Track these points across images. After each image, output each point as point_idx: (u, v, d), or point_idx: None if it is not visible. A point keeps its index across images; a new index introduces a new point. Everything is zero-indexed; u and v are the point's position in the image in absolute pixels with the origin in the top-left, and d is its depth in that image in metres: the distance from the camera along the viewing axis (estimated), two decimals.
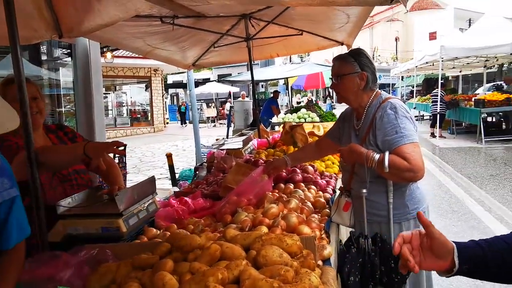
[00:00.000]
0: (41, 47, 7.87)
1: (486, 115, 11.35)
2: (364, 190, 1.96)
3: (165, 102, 25.89)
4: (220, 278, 1.18)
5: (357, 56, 2.04)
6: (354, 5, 3.13)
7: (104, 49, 10.81)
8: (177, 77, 31.02)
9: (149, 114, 20.91)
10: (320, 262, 1.60)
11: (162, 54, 4.65)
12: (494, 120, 12.80)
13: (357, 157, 1.90)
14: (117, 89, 21.49)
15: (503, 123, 12.55)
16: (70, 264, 1.42)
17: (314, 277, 1.31)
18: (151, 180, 2.16)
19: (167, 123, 24.62)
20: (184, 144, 14.68)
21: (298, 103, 17.97)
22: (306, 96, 22.43)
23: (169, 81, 32.05)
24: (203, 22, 3.94)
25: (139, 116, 21.11)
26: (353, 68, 2.02)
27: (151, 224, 2.14)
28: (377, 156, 1.85)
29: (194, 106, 7.83)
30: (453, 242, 1.00)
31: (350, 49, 2.18)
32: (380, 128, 1.92)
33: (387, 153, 1.83)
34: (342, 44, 4.96)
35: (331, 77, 2.14)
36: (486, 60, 12.89)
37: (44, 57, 8.14)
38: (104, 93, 20.24)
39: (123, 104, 21.37)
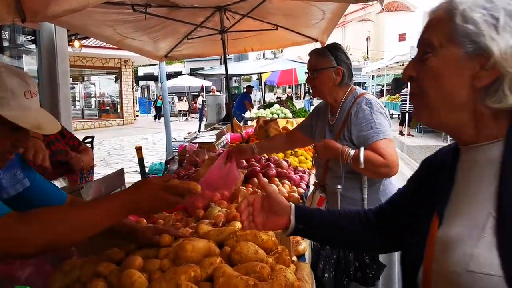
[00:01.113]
0: (3, 33, 7.47)
1: None
2: (339, 186, 1.95)
3: (136, 94, 25.32)
4: (193, 276, 1.13)
5: (334, 51, 2.02)
6: (332, 0, 3.13)
7: (72, 38, 10.40)
8: (148, 69, 30.38)
9: (119, 106, 20.35)
10: (294, 258, 1.57)
11: (133, 44, 4.50)
12: None
13: (332, 152, 1.88)
14: (85, 79, 20.76)
15: None
16: (29, 261, 1.32)
17: (290, 273, 1.28)
18: (120, 173, 2.08)
19: (137, 116, 24.08)
20: (155, 138, 14.40)
21: (279, 98, 17.95)
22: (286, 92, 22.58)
23: (140, 73, 31.32)
24: (176, 12, 3.84)
25: (108, 108, 20.49)
26: (330, 63, 1.99)
27: None
28: (352, 151, 1.83)
29: (165, 99, 7.66)
30: (294, 203, 1.11)
31: (327, 43, 2.15)
32: (355, 124, 1.91)
33: (362, 149, 1.82)
34: (316, 41, 4.97)
35: (307, 71, 2.11)
36: None
37: (5, 44, 7.74)
38: (71, 83, 19.52)
39: (92, 95, 20.67)
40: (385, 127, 1.87)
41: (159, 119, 22.86)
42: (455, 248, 0.76)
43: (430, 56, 0.79)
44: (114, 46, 4.44)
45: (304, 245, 1.66)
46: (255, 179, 2.55)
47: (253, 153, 2.40)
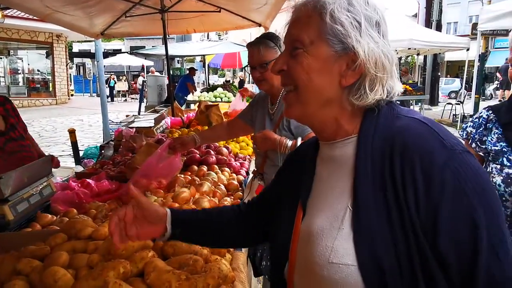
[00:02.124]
0: None
1: None
2: None
3: (70, 72, 23.71)
4: (122, 272, 1.08)
5: (277, 41, 1.99)
6: None
7: None
8: (84, 45, 28.53)
9: (51, 84, 18.93)
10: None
11: (64, 19, 4.16)
12: None
13: (271, 144, 1.88)
14: (11, 54, 18.99)
15: None
16: None
17: (224, 264, 1.28)
18: (46, 161, 1.93)
19: (72, 95, 22.62)
20: (91, 119, 13.63)
21: (227, 81, 17.65)
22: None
23: (75, 49, 29.31)
24: None
25: (38, 86, 18.94)
26: (276, 53, 1.96)
27: (46, 209, 1.91)
28: (289, 142, 1.85)
29: (101, 78, 7.22)
30: (170, 209, 1.06)
31: (265, 32, 2.11)
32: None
33: (299, 139, 1.85)
34: (259, 25, 4.95)
35: (249, 65, 2.06)
36: None
37: None
38: None
39: (19, 72, 18.96)
40: None
41: (112, 100, 21.73)
42: (317, 241, 0.79)
43: (300, 52, 0.81)
44: (35, 17, 4.08)
45: None
46: (195, 167, 2.51)
47: (195, 143, 2.33)
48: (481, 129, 1.53)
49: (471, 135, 1.56)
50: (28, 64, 19.31)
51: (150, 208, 1.00)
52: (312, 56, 0.80)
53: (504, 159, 1.42)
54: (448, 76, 27.24)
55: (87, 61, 29.55)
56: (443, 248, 0.69)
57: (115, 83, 23.34)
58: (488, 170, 1.47)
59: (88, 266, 1.20)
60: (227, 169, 2.57)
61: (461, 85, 16.23)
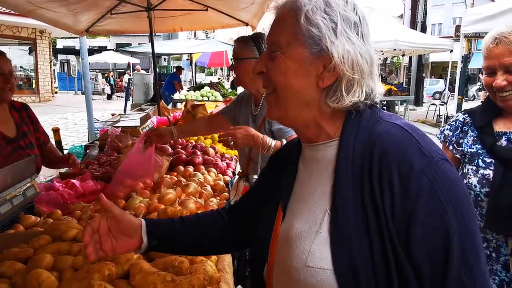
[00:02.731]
0: None
1: None
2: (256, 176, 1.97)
3: (54, 69, 23.28)
4: (107, 274, 1.08)
5: (257, 41, 2.01)
6: None
7: None
8: (69, 42, 28.04)
9: (34, 81, 18.57)
10: None
11: (48, 15, 4.09)
12: None
13: (252, 141, 1.86)
14: None
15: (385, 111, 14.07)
16: None
17: (209, 265, 1.29)
18: (29, 161, 1.90)
19: (56, 92, 22.24)
20: (76, 117, 13.43)
21: (219, 79, 17.58)
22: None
23: (59, 45, 28.79)
24: None
25: (21, 83, 18.52)
26: (252, 53, 1.98)
27: (30, 211, 1.89)
28: (273, 142, 1.85)
29: (86, 75, 7.13)
30: (145, 219, 1.02)
31: (253, 32, 2.13)
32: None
33: (284, 141, 1.86)
34: (247, 24, 4.95)
35: (231, 58, 2.10)
36: None
37: None
38: None
39: None
40: None
41: (109, 98, 21.48)
42: (296, 244, 0.79)
43: (278, 54, 0.82)
44: (17, 13, 4.01)
45: None
46: (181, 167, 2.51)
47: (172, 136, 2.31)
48: (457, 131, 1.57)
49: (448, 138, 1.60)
50: (10, 60, 18.91)
51: (124, 219, 0.96)
52: (289, 58, 0.80)
53: (480, 160, 1.46)
54: (433, 77, 27.72)
55: (72, 58, 29.05)
56: (416, 255, 0.70)
57: (114, 80, 23.07)
58: (464, 171, 1.51)
59: (73, 268, 1.20)
60: (213, 169, 2.57)
61: (445, 86, 16.52)
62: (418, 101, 17.07)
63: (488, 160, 1.43)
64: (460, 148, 1.54)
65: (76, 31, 4.96)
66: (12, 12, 13.17)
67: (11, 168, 1.75)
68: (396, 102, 13.38)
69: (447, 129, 1.62)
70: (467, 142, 1.52)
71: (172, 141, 2.87)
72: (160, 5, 4.30)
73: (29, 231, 1.61)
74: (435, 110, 12.84)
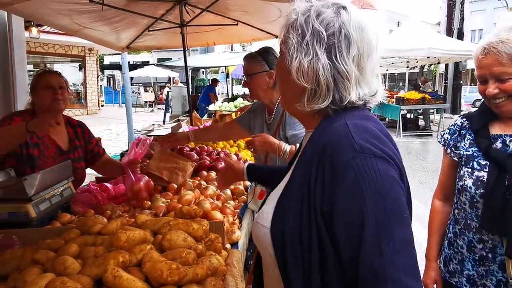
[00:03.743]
0: None
1: (405, 111, 12.36)
2: None
3: (101, 83, 24.60)
4: (121, 261, 1.23)
5: (266, 55, 2.14)
6: (283, 1, 3.25)
7: (32, 23, 10.01)
8: (115, 58, 29.50)
9: (83, 96, 19.77)
10: (228, 246, 1.70)
11: (92, 34, 4.46)
12: (412, 116, 13.94)
13: (270, 147, 2.00)
14: (47, 67, 20.00)
15: (419, 120, 13.79)
16: None
17: (216, 259, 1.40)
18: (67, 165, 2.12)
19: (102, 105, 23.46)
20: (119, 129, 14.13)
21: None
22: None
23: (106, 61, 30.43)
24: (136, 4, 3.84)
25: (71, 97, 19.80)
26: (262, 67, 2.12)
27: (67, 209, 2.10)
28: (288, 147, 1.97)
29: (127, 89, 7.59)
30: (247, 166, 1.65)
31: (264, 47, 2.27)
32: (289, 123, 2.05)
33: (297, 145, 1.96)
34: (277, 37, 5.08)
35: (243, 75, 2.24)
36: (408, 61, 13.91)
37: None
38: (32, 70, 18.73)
39: None
40: None
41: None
42: (262, 207, 1.04)
43: (280, 57, 1.00)
44: (66, 33, 4.40)
45: (238, 233, 1.79)
46: (204, 172, 2.66)
47: (188, 140, 2.57)
48: (455, 135, 1.61)
49: (447, 142, 1.63)
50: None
51: (237, 167, 1.65)
52: (279, 63, 1.01)
53: (475, 163, 1.49)
54: (472, 84, 26.53)
55: (117, 73, 30.57)
56: (338, 236, 0.80)
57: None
58: (460, 173, 1.54)
59: (94, 257, 1.35)
60: None
61: None
62: (455, 109, 16.48)
63: (483, 163, 1.46)
64: (457, 151, 1.57)
65: (117, 48, 5.33)
66: (63, 32, 14.14)
67: (49, 171, 1.97)
68: (431, 110, 13.03)
69: (446, 133, 1.66)
70: (464, 145, 1.55)
71: (198, 148, 3.06)
72: (193, 21, 4.53)
73: (63, 227, 1.80)
74: None
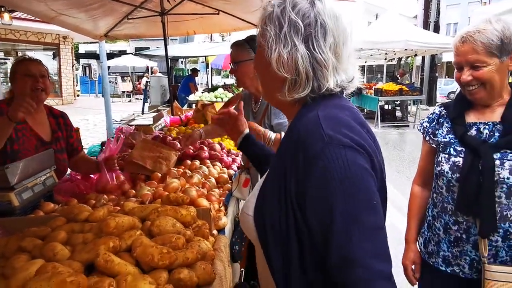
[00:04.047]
0: None
1: (383, 103, 12.62)
2: None
3: (76, 73, 23.97)
4: (112, 246, 1.24)
5: (253, 43, 2.14)
6: None
7: (2, 9, 9.63)
8: (90, 46, 28.77)
9: (57, 85, 19.23)
10: (215, 232, 1.73)
11: (69, 21, 4.34)
12: (389, 108, 14.25)
13: (255, 135, 2.01)
14: (19, 55, 19.31)
15: (396, 111, 14.08)
16: None
17: (205, 244, 1.43)
18: (48, 153, 2.09)
19: (78, 95, 22.89)
20: (96, 119, 13.86)
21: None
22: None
23: (81, 50, 29.60)
24: None
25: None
26: (249, 55, 2.12)
27: (49, 198, 2.08)
28: (273, 135, 1.99)
29: (105, 78, 7.45)
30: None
31: (247, 36, 2.28)
32: (274, 112, 2.08)
33: (282, 133, 1.99)
34: (258, 27, 5.08)
35: (230, 62, 2.24)
36: (386, 54, 14.16)
37: None
38: (2, 58, 18.08)
39: None
40: None
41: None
42: (249, 196, 1.09)
43: (259, 50, 1.01)
44: (42, 19, 4.27)
45: (225, 220, 1.83)
46: (188, 161, 2.67)
47: (200, 137, 2.61)
48: (433, 123, 1.68)
49: (426, 129, 1.71)
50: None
51: (240, 118, 1.58)
52: (258, 55, 1.02)
53: (451, 149, 1.56)
54: (446, 77, 27.25)
55: (93, 62, 29.81)
56: (310, 221, 0.85)
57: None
58: (438, 159, 1.62)
59: (83, 243, 1.36)
60: (218, 163, 2.72)
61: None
62: (431, 101, 16.93)
63: (459, 149, 1.54)
64: (436, 138, 1.65)
65: (95, 36, 5.21)
66: (37, 19, 13.66)
67: (31, 159, 1.95)
68: (408, 101, 13.37)
69: (425, 121, 1.74)
70: (442, 132, 1.63)
71: (181, 137, 3.06)
72: (173, 9, 4.48)
73: (47, 215, 1.78)
74: None
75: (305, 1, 0.92)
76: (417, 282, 1.77)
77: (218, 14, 4.59)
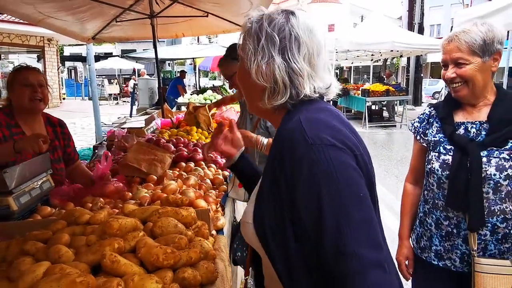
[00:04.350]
0: None
1: (370, 103, 12.80)
2: None
3: (62, 76, 23.66)
4: (117, 247, 1.26)
5: (235, 53, 2.20)
6: None
7: None
8: (75, 49, 28.42)
9: None
10: (214, 232, 1.77)
11: (56, 24, 4.32)
12: (376, 108, 14.45)
13: (248, 143, 2.08)
14: (2, 57, 18.99)
15: (384, 111, 14.30)
16: None
17: (206, 243, 1.46)
18: (45, 157, 2.09)
19: (64, 98, 22.60)
20: (83, 122, 13.72)
21: None
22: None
23: (66, 53, 29.22)
24: None
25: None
26: (234, 66, 2.22)
27: (46, 202, 2.08)
28: (265, 140, 2.06)
29: (93, 81, 7.39)
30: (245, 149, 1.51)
31: (226, 49, 2.37)
32: None
33: (266, 139, 2.06)
34: None
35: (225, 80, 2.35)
36: (372, 55, 14.39)
37: None
38: None
39: None
40: None
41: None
42: (247, 206, 1.13)
43: (240, 62, 1.07)
44: (29, 22, 4.24)
45: (223, 220, 1.86)
46: (182, 163, 2.69)
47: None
48: (424, 123, 1.76)
49: (417, 129, 1.78)
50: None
51: (236, 134, 1.49)
52: (238, 69, 1.10)
53: (441, 147, 1.64)
54: (430, 77, 27.76)
55: (79, 64, 29.44)
56: (303, 221, 0.90)
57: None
58: (429, 157, 1.69)
59: (86, 246, 1.38)
60: (213, 165, 2.75)
61: (443, 86, 16.72)
62: (417, 101, 17.26)
63: (448, 147, 1.61)
64: (426, 138, 1.72)
65: (83, 39, 5.18)
66: (21, 21, 13.48)
67: (28, 163, 1.95)
68: (395, 102, 13.59)
69: (416, 121, 1.81)
70: (432, 132, 1.70)
71: (174, 140, 3.09)
72: (163, 12, 4.49)
73: (47, 219, 1.79)
74: None
75: (281, 16, 1.00)
76: (410, 278, 1.84)
77: (207, 16, 4.62)
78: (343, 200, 0.86)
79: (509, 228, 1.54)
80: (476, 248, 1.54)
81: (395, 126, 12.80)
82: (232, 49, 2.28)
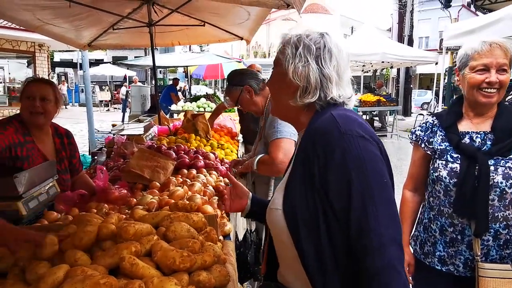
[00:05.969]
0: None
1: (361, 113, 12.98)
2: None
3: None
4: (134, 250, 1.29)
5: (231, 81, 2.50)
6: (256, 5, 3.37)
7: None
8: (66, 55, 28.22)
9: None
10: (221, 237, 1.80)
11: (53, 30, 4.34)
12: (367, 118, 14.63)
13: (246, 169, 2.44)
14: None
15: (375, 121, 14.49)
16: None
17: (217, 248, 1.50)
18: (51, 163, 2.12)
19: None
20: (74, 129, 13.51)
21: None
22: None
23: (56, 59, 28.96)
24: (103, 2, 3.80)
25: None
26: (237, 91, 2.46)
27: (51, 208, 2.09)
28: (256, 159, 2.32)
29: (88, 88, 7.37)
30: (252, 193, 1.57)
31: (227, 74, 2.67)
32: (267, 123, 2.28)
33: (258, 157, 2.33)
34: (242, 39, 5.20)
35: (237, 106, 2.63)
36: (363, 65, 14.65)
37: None
38: None
39: (0, 81, 18.72)
40: (285, 127, 2.21)
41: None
42: (274, 195, 1.23)
43: (277, 65, 1.22)
44: (26, 28, 4.25)
45: (229, 226, 1.90)
46: (184, 170, 2.73)
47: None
48: (428, 132, 1.82)
49: (420, 137, 1.84)
50: (9, 73, 19.06)
51: (239, 186, 1.57)
52: (275, 70, 1.24)
53: (448, 156, 1.71)
54: (419, 89, 28.35)
55: (69, 70, 29.20)
56: (333, 204, 1.02)
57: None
58: (435, 165, 1.75)
59: (101, 250, 1.40)
60: (214, 172, 2.79)
61: (432, 96, 17.10)
62: (406, 112, 17.59)
63: (455, 155, 1.68)
64: (431, 146, 1.79)
65: (78, 45, 5.19)
66: (11, 26, 13.37)
67: (36, 169, 1.97)
68: (386, 112, 13.83)
69: (418, 130, 1.88)
70: (437, 140, 1.77)
71: (175, 147, 3.13)
72: (161, 21, 4.53)
73: (56, 224, 1.80)
74: (423, 120, 13.20)
75: (316, 33, 1.17)
76: (412, 282, 1.89)
77: (203, 25, 4.67)
78: (370, 184, 0.99)
79: (511, 234, 1.61)
80: (480, 254, 1.61)
81: (386, 136, 12.98)
82: (231, 77, 2.53)
